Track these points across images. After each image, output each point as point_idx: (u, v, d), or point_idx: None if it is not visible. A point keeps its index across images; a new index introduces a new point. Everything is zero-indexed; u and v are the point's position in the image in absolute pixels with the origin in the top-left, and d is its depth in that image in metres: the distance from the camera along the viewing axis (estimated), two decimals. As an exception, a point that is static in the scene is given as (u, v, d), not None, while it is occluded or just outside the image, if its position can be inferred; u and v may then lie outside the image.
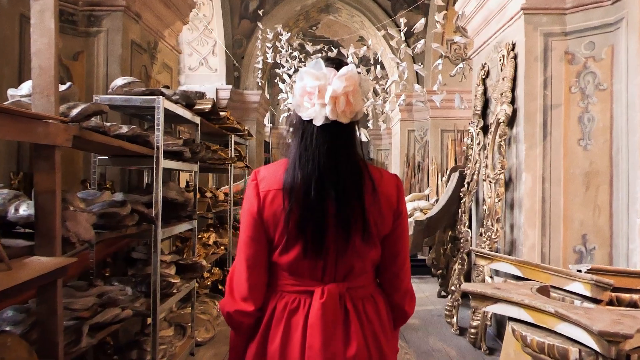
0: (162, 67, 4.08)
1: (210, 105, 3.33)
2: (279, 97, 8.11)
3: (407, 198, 6.70)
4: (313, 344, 1.12)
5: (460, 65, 4.46)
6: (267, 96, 9.68)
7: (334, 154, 1.14)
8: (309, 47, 7.19)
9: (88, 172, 3.14)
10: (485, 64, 4.09)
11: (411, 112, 8.45)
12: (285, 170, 1.17)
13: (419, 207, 6.11)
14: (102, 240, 2.60)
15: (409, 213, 6.19)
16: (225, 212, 4.62)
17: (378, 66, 6.27)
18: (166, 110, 2.75)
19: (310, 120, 1.14)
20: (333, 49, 6.92)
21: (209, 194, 4.00)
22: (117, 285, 2.54)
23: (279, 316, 1.18)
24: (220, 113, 3.70)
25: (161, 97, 2.53)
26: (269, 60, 7.53)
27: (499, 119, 3.51)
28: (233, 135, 4.45)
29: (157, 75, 3.95)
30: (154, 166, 2.51)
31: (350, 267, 1.18)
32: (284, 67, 7.53)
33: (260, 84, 8.34)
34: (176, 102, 2.91)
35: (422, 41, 4.71)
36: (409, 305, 1.30)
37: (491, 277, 3.41)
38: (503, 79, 3.54)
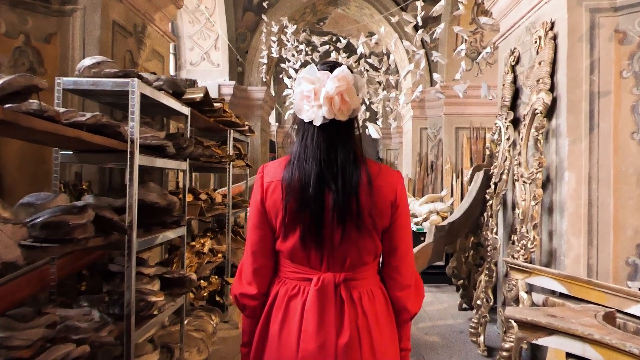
0: (151, 54, 3.65)
1: (201, 95, 2.90)
2: (284, 94, 7.66)
3: (422, 199, 6.23)
4: (308, 328, 1.18)
5: (488, 49, 3.98)
6: (273, 93, 9.24)
7: (333, 149, 1.20)
8: (316, 40, 6.74)
9: (64, 172, 2.74)
10: (514, 49, 3.61)
11: (424, 109, 8.00)
12: (285, 166, 1.24)
13: (435, 209, 5.63)
14: (70, 253, 2.18)
15: (424, 216, 5.72)
16: (224, 216, 4.18)
17: (392, 55, 5.81)
18: (147, 98, 2.31)
19: (311, 121, 1.20)
20: (342, 39, 6.45)
21: (203, 196, 3.55)
22: (83, 307, 2.11)
23: (280, 301, 1.25)
24: (215, 104, 3.25)
25: (136, 79, 2.09)
26: (274, 55, 7.10)
27: (535, 109, 3.03)
28: (232, 131, 4.01)
29: (145, 62, 3.52)
30: (128, 163, 2.07)
31: (346, 257, 1.22)
32: (289, 61, 7.09)
33: (265, 79, 7.91)
34: (160, 89, 2.47)
35: (442, 25, 4.25)
36: (412, 302, 1.28)
37: (527, 292, 2.94)
38: (540, 63, 3.06)
